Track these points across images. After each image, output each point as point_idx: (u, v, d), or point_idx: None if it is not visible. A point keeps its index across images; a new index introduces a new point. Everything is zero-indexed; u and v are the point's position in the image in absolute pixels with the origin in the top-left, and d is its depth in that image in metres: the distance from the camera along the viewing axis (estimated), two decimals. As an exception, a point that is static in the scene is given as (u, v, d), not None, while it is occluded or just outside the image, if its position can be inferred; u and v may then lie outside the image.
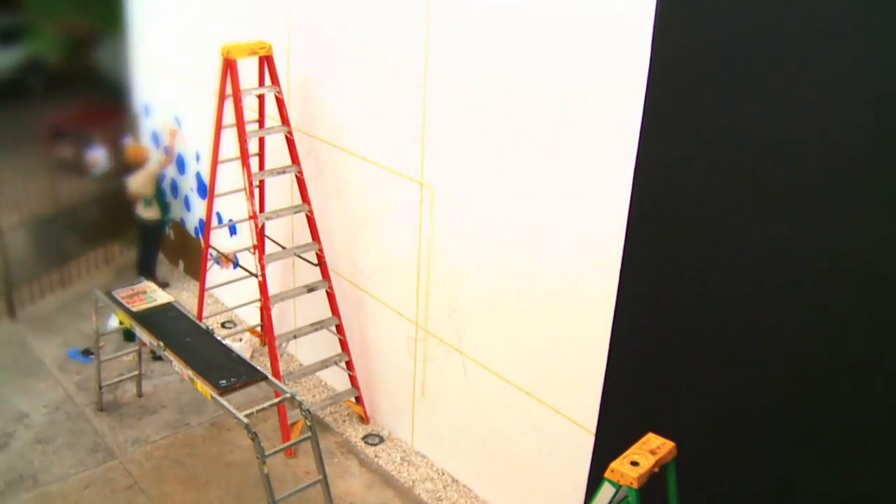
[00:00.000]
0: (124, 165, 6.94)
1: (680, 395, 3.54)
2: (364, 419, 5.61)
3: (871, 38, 2.68)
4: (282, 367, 5.41)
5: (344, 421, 5.66)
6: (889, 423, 2.91)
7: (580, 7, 3.58)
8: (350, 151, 5.17)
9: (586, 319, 3.95)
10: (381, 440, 5.46)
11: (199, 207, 7.06)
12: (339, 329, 5.51)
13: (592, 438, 4.05)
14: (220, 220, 6.61)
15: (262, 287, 5.21)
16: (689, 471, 3.10)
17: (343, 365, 5.55)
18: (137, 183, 6.77)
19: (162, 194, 7.20)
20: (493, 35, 4.02)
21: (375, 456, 5.34)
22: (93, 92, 7.41)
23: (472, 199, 4.41)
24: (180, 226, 7.46)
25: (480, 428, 4.80)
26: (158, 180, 6.96)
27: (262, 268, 5.18)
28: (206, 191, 6.87)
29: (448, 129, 4.43)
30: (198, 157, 6.86)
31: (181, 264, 7.64)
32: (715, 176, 3.20)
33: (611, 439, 3.91)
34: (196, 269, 7.40)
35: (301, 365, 6.20)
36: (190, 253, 7.42)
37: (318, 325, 5.44)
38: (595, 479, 4.01)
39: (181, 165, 7.12)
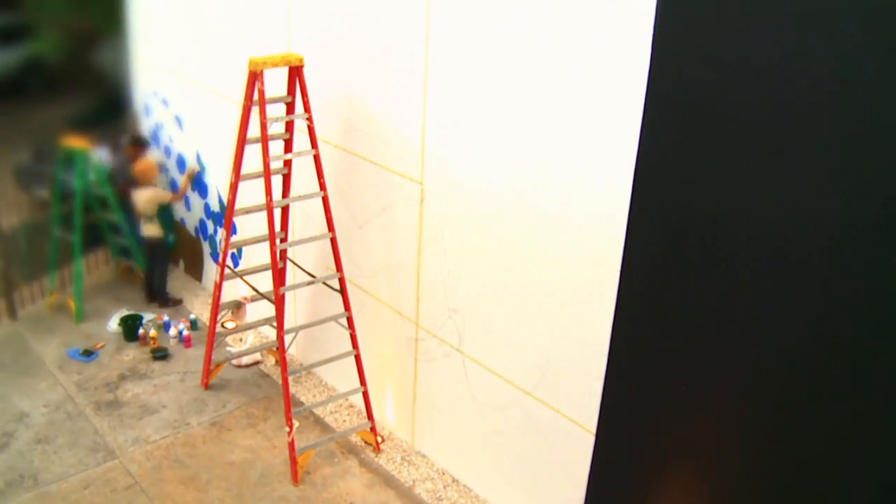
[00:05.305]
0: (132, 180, 6.80)
1: (680, 395, 3.54)
2: (376, 449, 5.39)
3: (880, 36, 2.68)
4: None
5: (344, 421, 5.66)
6: (891, 424, 2.90)
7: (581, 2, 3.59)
8: (350, 151, 5.17)
9: (586, 319, 3.95)
10: (382, 440, 5.46)
11: (199, 207, 7.05)
12: (357, 360, 5.29)
13: (592, 438, 4.05)
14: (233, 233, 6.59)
15: (279, 313, 5.05)
16: (690, 471, 3.10)
17: (360, 397, 5.44)
18: (141, 200, 6.70)
19: (166, 214, 7.05)
20: (494, 33, 4.01)
21: (375, 456, 5.34)
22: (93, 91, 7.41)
23: (471, 199, 4.41)
24: (180, 225, 7.45)
25: (480, 428, 4.81)
26: (162, 205, 6.84)
27: (280, 298, 5.03)
28: (206, 190, 6.88)
29: (448, 128, 4.43)
30: (198, 157, 6.86)
31: (181, 263, 7.63)
32: (717, 174, 3.19)
33: (611, 439, 3.91)
34: (196, 269, 7.41)
35: (301, 365, 6.19)
36: (190, 252, 7.42)
37: (336, 357, 5.31)
38: (595, 479, 4.01)
39: (181, 165, 7.11)
